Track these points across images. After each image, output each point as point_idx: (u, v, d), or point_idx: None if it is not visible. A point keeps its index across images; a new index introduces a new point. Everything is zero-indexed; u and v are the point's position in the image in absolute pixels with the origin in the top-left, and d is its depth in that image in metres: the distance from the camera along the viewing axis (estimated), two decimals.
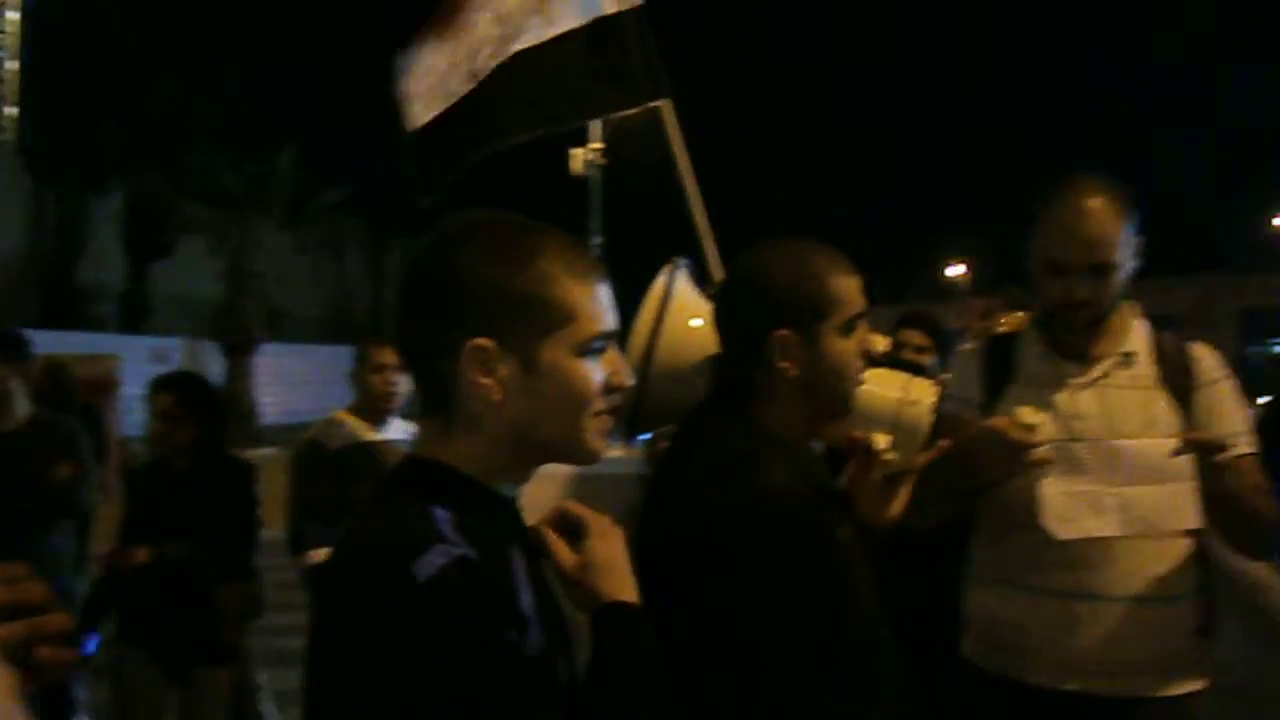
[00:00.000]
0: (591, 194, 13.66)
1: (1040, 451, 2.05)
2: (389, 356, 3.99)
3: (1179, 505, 2.09)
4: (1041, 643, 2.26)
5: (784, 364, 1.72)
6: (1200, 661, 2.28)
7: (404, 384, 4.07)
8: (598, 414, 1.30)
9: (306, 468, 3.93)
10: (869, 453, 1.93)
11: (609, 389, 1.31)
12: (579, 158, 13.77)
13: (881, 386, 1.98)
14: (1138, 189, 2.28)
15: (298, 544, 3.81)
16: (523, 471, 1.33)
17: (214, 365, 20.25)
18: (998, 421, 2.09)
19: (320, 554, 3.69)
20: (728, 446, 1.66)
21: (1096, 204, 2.22)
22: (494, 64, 3.18)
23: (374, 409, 4.03)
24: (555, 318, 1.26)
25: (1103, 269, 2.22)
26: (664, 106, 3.02)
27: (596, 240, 12.75)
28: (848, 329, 1.76)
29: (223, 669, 3.81)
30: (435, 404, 1.29)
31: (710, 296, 1.94)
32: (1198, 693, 2.26)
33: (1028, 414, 2.05)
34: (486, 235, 1.28)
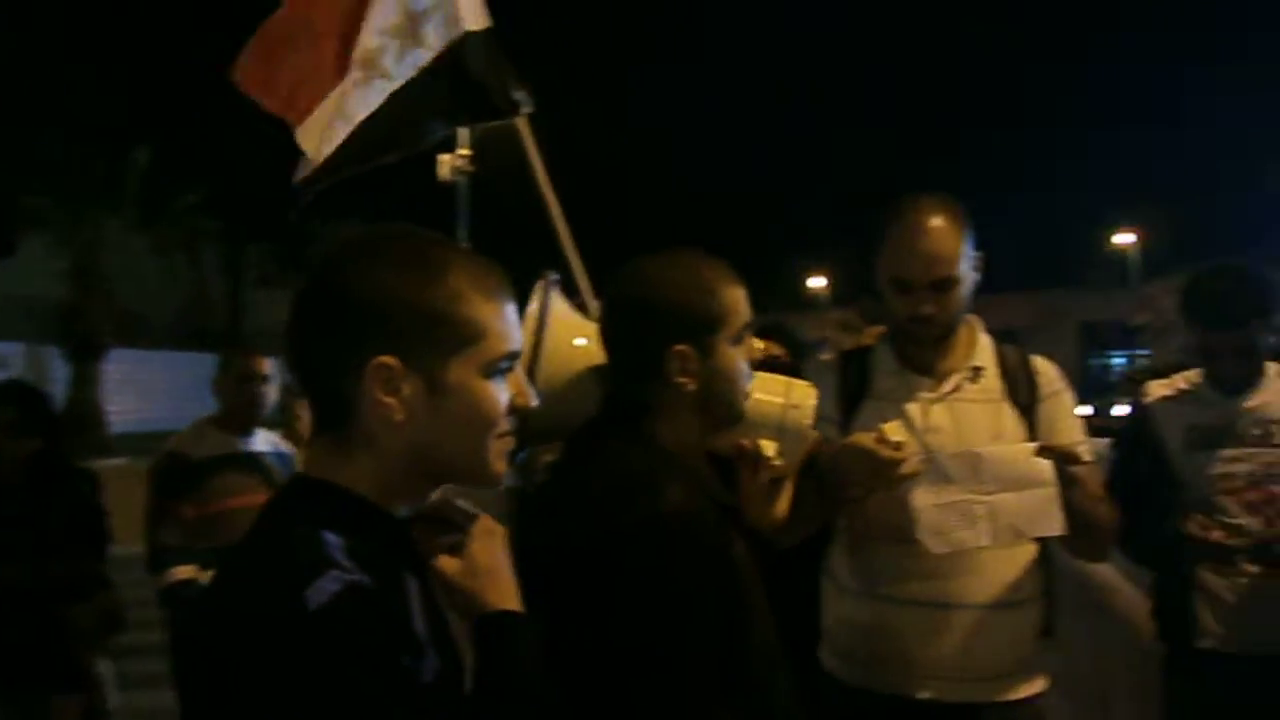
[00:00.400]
0: (459, 201, 13.55)
1: (907, 466, 2.09)
2: (261, 366, 3.87)
3: (1045, 511, 2.15)
4: (900, 652, 2.30)
5: (682, 379, 1.71)
6: (1044, 661, 2.37)
7: (272, 395, 3.98)
8: (501, 436, 1.28)
9: (167, 480, 3.76)
10: (757, 459, 1.95)
11: (512, 410, 1.28)
12: (446, 164, 13.63)
13: (765, 392, 1.98)
14: (982, 206, 2.36)
15: (157, 561, 3.66)
16: (419, 493, 1.29)
17: (58, 371, 19.31)
18: (863, 437, 2.13)
19: (183, 571, 3.56)
20: (624, 467, 1.64)
21: (936, 222, 2.28)
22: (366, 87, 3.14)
23: (241, 419, 3.90)
24: (463, 336, 1.23)
25: (945, 284, 2.29)
26: (520, 122, 3.01)
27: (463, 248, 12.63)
28: (738, 339, 1.77)
29: (74, 696, 3.63)
30: (331, 422, 1.23)
31: (597, 312, 1.92)
32: (1043, 692, 2.36)
33: (893, 430, 2.09)
34: (393, 249, 1.24)
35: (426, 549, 1.31)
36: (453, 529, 1.33)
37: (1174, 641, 2.87)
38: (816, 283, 46.30)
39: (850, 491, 2.19)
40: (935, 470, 2.16)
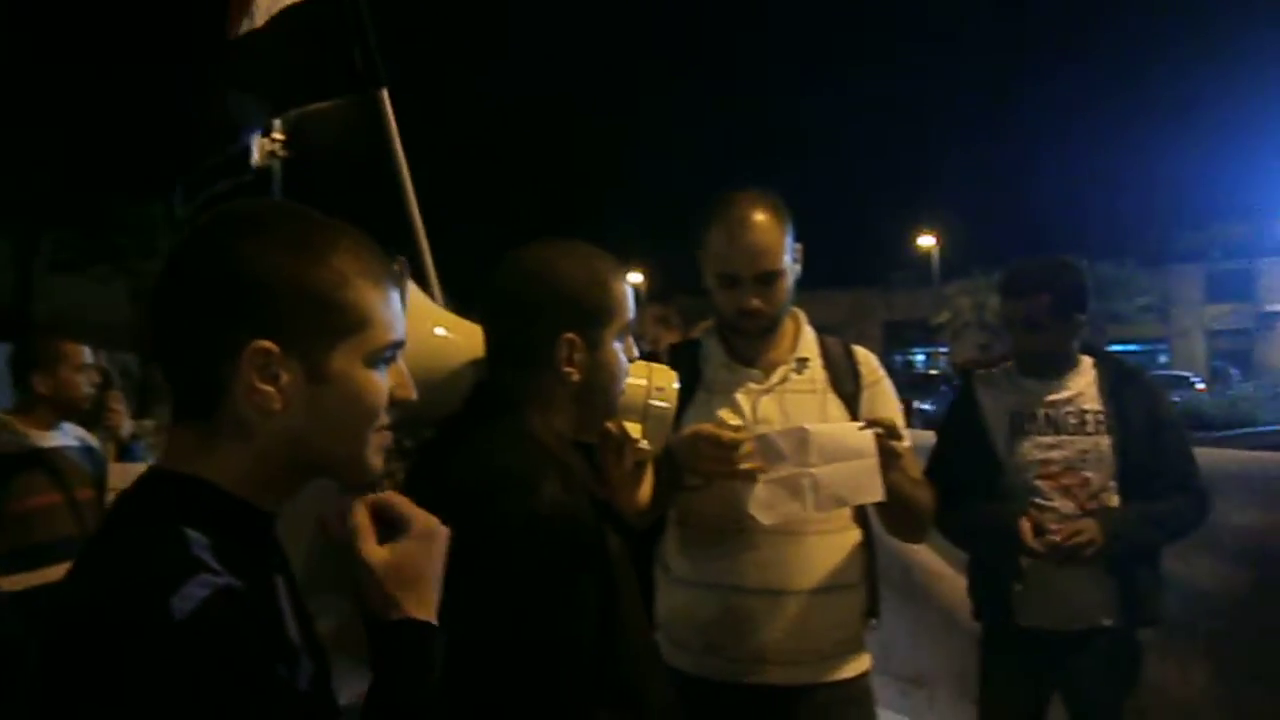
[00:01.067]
0: (274, 186, 13.05)
1: (746, 452, 2.14)
2: (79, 353, 3.62)
3: (867, 480, 2.21)
4: (733, 639, 2.35)
5: (568, 369, 1.69)
6: (868, 642, 2.46)
7: (90, 386, 3.72)
8: (380, 429, 1.21)
9: None
10: (623, 444, 1.93)
11: (392, 402, 1.22)
12: (262, 148, 13.10)
13: (629, 376, 1.97)
14: (796, 207, 2.42)
15: None
16: (289, 488, 1.19)
17: None
18: (705, 427, 2.17)
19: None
20: (500, 462, 1.59)
21: (759, 216, 2.33)
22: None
23: (48, 412, 3.64)
24: (348, 323, 1.15)
25: (770, 277, 2.34)
26: (380, 96, 2.93)
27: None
28: (622, 335, 1.76)
29: None
30: (195, 410, 1.14)
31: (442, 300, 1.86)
32: (867, 672, 2.45)
33: (730, 417, 2.11)
34: (278, 227, 1.15)
35: (358, 537, 1.21)
36: (391, 525, 1.23)
37: (991, 620, 3.00)
38: (633, 279, 46.73)
39: (691, 480, 2.22)
40: (765, 447, 2.20)
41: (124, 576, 1.02)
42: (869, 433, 2.20)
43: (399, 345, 1.22)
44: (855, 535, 2.41)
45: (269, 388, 1.11)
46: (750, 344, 2.44)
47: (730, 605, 2.35)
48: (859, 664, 2.43)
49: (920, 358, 42.15)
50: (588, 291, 1.71)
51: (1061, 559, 2.76)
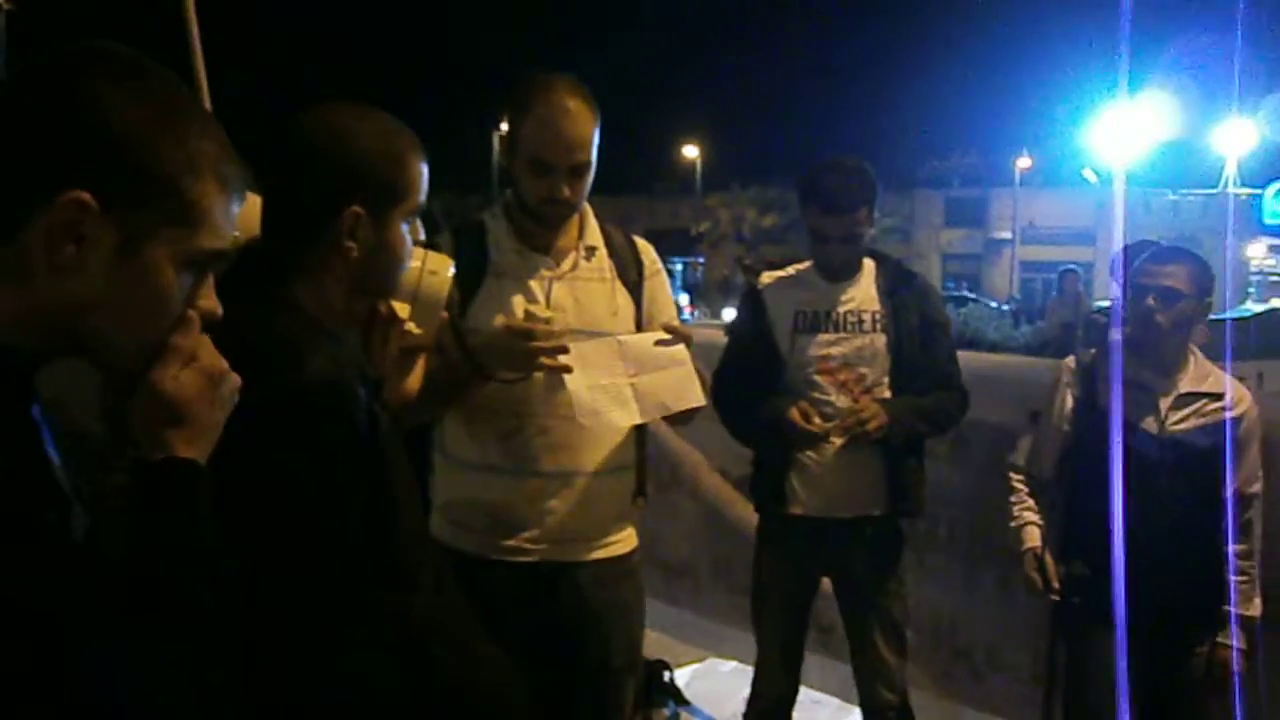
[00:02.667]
0: None
1: (556, 345, 2.16)
2: None
3: (686, 387, 2.29)
4: (520, 520, 2.38)
5: (349, 243, 1.57)
6: (636, 522, 2.56)
7: None
8: (172, 345, 1.11)
9: None
10: (390, 325, 1.84)
11: (201, 317, 1.12)
12: None
13: None
14: None
15: None
16: (55, 347, 1.07)
17: None
18: (514, 323, 2.19)
19: None
20: (263, 333, 1.48)
21: (576, 105, 2.30)
22: None
23: None
24: (185, 216, 1.05)
25: (583, 168, 2.33)
26: None
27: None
28: (410, 218, 1.66)
29: None
30: None
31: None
32: (636, 549, 2.55)
33: (541, 311, 2.09)
34: (150, 91, 1.04)
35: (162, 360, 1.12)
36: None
37: (766, 510, 3.11)
38: None
39: (504, 376, 2.22)
40: (581, 357, 2.22)
41: None
42: (680, 348, 2.26)
43: (221, 258, 1.12)
44: None
45: (70, 245, 0.99)
46: (543, 230, 2.40)
47: (518, 487, 2.37)
48: (630, 540, 2.53)
49: (678, 266, 43.16)
50: (382, 164, 1.59)
51: (847, 436, 2.88)
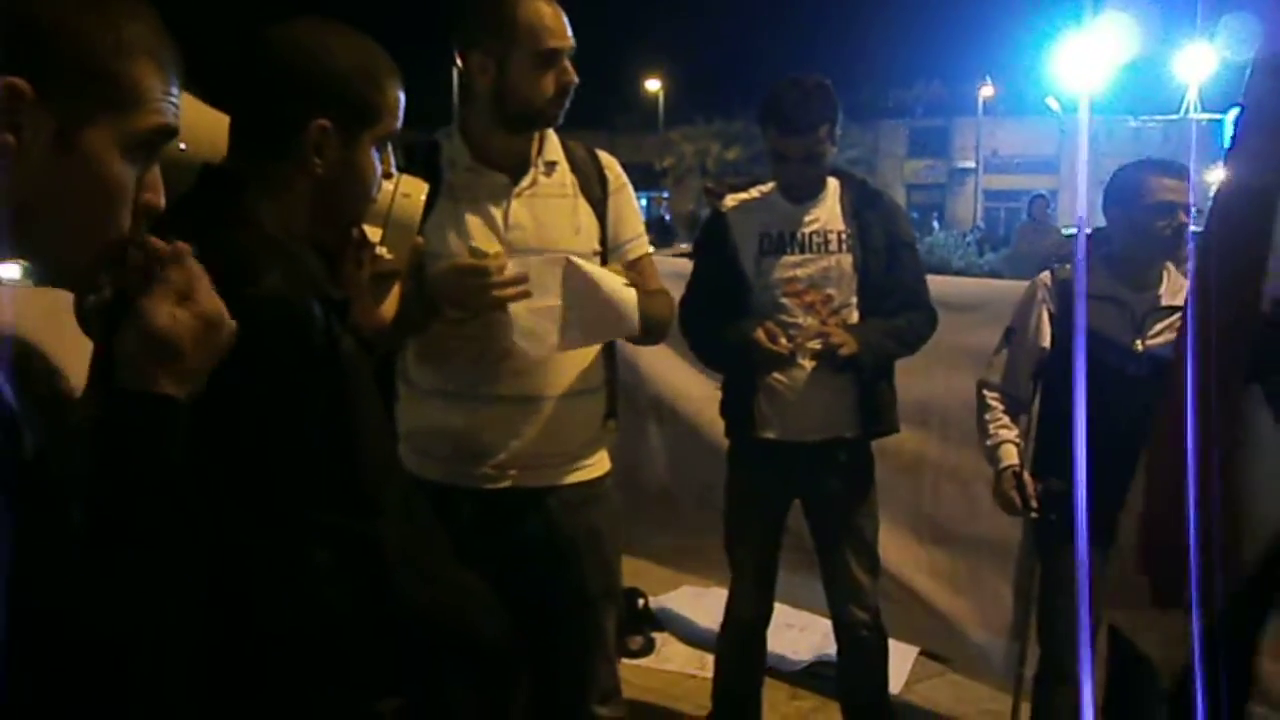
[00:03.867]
0: None
1: (509, 278, 2.13)
2: None
3: (626, 312, 2.25)
4: (484, 446, 2.34)
5: (315, 160, 1.50)
6: (608, 444, 2.52)
7: None
8: (114, 238, 1.05)
9: None
10: (361, 248, 1.78)
11: (139, 209, 1.06)
12: None
13: None
14: None
15: None
16: None
17: None
18: (461, 262, 2.14)
19: None
20: (221, 250, 1.41)
21: None
22: None
23: None
24: (118, 97, 1.01)
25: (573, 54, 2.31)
26: None
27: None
28: (382, 144, 1.59)
29: None
30: None
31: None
32: (609, 472, 2.52)
33: (488, 246, 2.07)
34: None
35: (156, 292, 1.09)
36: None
37: (738, 434, 3.08)
38: None
39: (452, 313, 2.18)
40: (528, 273, 2.16)
41: None
42: (614, 266, 2.26)
43: (167, 134, 1.07)
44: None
45: (9, 137, 0.94)
46: (498, 145, 2.33)
47: (482, 413, 2.33)
48: (601, 464, 2.49)
49: (642, 201, 42.85)
50: (355, 80, 1.52)
51: (816, 360, 2.85)
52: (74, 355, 1.35)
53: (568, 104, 2.32)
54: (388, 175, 1.67)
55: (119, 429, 1.06)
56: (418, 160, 2.32)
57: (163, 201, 1.10)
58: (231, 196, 1.49)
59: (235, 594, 1.28)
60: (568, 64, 2.28)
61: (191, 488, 1.09)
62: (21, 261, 1.04)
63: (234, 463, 1.32)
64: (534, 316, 2.19)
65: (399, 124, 1.61)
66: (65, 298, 1.54)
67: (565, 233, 2.33)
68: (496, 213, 2.31)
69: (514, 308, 2.18)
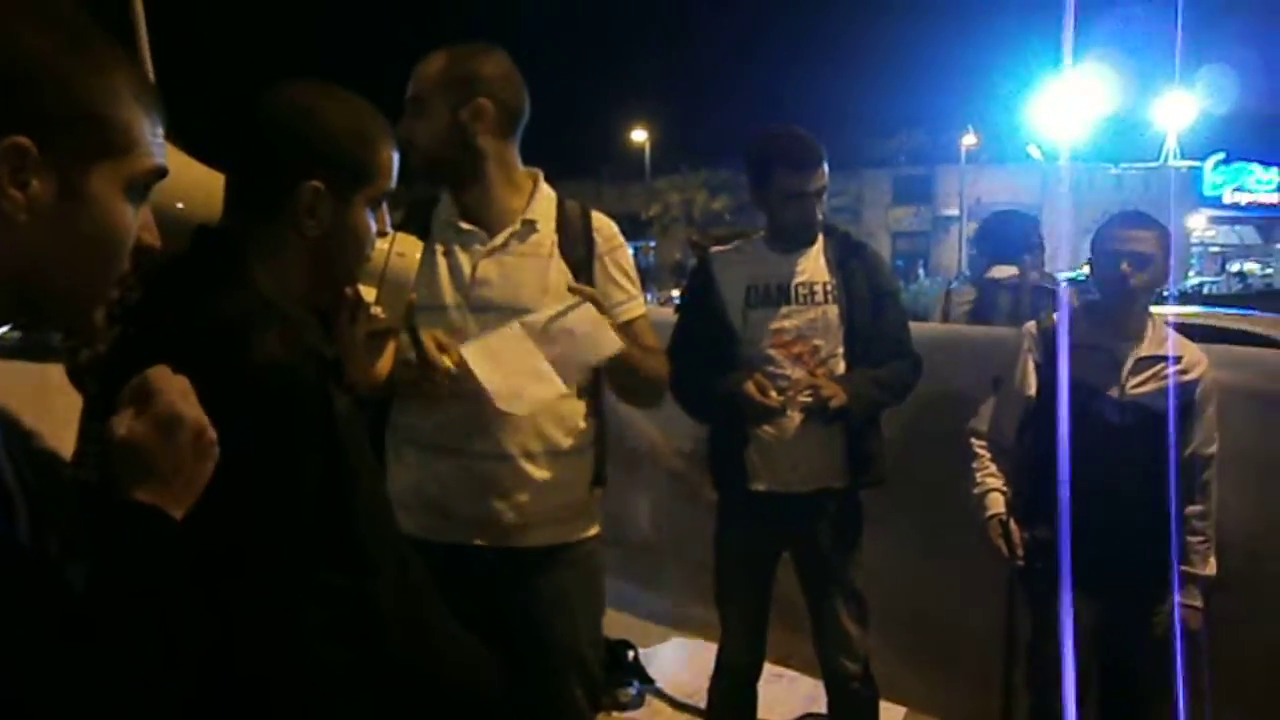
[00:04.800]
0: None
1: (451, 373, 2.16)
2: None
3: (601, 338, 2.24)
4: (463, 504, 2.33)
5: (309, 220, 1.52)
6: (595, 508, 2.49)
7: None
8: (119, 277, 1.06)
9: None
10: (356, 307, 1.80)
11: (135, 250, 1.07)
12: None
13: None
14: None
15: None
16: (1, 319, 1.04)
17: None
18: (409, 359, 2.18)
19: None
20: (216, 314, 1.42)
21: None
22: None
23: None
24: (114, 142, 1.02)
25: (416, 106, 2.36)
26: None
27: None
28: (376, 204, 1.61)
29: None
30: None
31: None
32: (595, 536, 2.48)
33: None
34: (61, 22, 1.01)
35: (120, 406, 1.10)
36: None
37: (727, 487, 3.08)
38: None
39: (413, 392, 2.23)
40: (487, 351, 2.19)
41: None
42: (585, 305, 2.22)
43: (160, 174, 1.08)
44: (582, 404, 2.41)
45: (18, 194, 0.95)
46: (479, 202, 2.36)
47: (461, 470, 2.32)
48: (583, 528, 2.45)
49: (629, 252, 43.02)
50: (347, 142, 1.54)
51: (805, 412, 2.86)
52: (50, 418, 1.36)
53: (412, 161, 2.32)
54: (382, 234, 1.69)
55: (102, 540, 1.07)
56: (416, 217, 2.36)
57: (159, 241, 1.12)
58: (226, 258, 1.50)
59: (227, 654, 1.26)
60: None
61: (178, 588, 1.09)
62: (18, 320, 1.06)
63: (228, 524, 1.31)
64: (510, 379, 2.19)
65: (392, 184, 1.62)
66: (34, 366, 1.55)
67: (532, 291, 2.31)
68: (466, 268, 2.33)
69: (485, 380, 2.18)
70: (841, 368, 2.95)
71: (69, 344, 2.41)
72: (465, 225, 2.36)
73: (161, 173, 1.09)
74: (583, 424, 2.40)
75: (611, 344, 2.24)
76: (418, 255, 1.93)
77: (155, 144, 1.08)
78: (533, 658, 2.38)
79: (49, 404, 1.54)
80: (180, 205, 1.84)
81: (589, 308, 2.22)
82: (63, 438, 1.34)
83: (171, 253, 1.63)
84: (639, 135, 45.65)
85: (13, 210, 0.95)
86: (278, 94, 1.58)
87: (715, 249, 3.16)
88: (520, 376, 2.20)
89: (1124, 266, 2.82)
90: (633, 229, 41.61)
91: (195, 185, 1.89)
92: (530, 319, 2.22)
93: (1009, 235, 4.59)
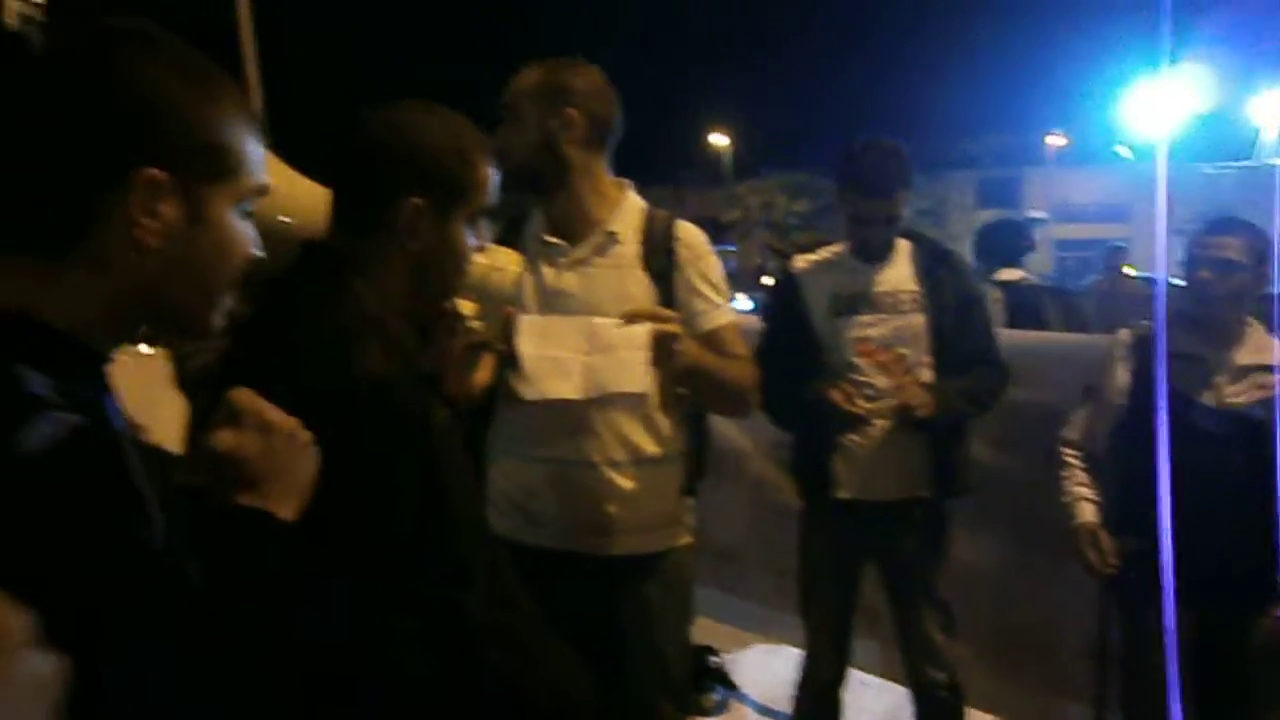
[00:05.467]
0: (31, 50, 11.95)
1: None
2: None
3: (629, 371, 2.22)
4: (551, 511, 2.37)
5: (410, 236, 1.58)
6: (686, 518, 2.51)
7: None
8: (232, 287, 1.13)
9: None
10: (454, 321, 1.84)
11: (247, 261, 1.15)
12: (11, 10, 11.98)
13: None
14: None
15: None
16: (127, 334, 1.10)
17: None
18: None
19: None
20: (319, 328, 1.49)
21: None
22: None
23: None
24: (228, 165, 1.09)
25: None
26: None
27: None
28: (474, 220, 1.66)
29: None
30: (40, 242, 1.01)
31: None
32: (686, 546, 2.50)
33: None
34: (178, 55, 1.07)
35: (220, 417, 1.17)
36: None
37: (812, 494, 3.09)
38: None
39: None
40: (545, 331, 2.23)
41: None
42: (642, 327, 2.21)
43: (264, 191, 1.15)
44: (673, 412, 2.43)
45: (152, 222, 1.02)
46: (564, 212, 2.41)
47: (542, 475, 2.37)
48: (672, 538, 2.46)
49: (717, 259, 42.84)
50: (446, 159, 1.60)
51: (895, 420, 2.86)
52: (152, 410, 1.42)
53: None
54: (481, 249, 1.74)
55: (214, 542, 1.12)
56: (513, 231, 2.42)
57: (260, 250, 1.18)
58: (330, 272, 1.56)
59: (324, 661, 1.31)
60: None
61: (289, 586, 1.15)
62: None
63: (330, 531, 1.37)
64: (540, 363, 2.22)
65: (489, 200, 1.68)
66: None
67: (611, 302, 2.32)
68: (549, 280, 2.38)
69: (524, 352, 2.22)
70: (927, 376, 2.94)
71: (180, 352, 2.51)
72: (549, 238, 2.41)
73: (264, 190, 1.16)
74: (671, 433, 2.42)
75: (638, 382, 2.22)
76: (516, 270, 1.98)
77: (258, 161, 1.14)
78: (619, 666, 2.40)
79: (154, 401, 1.61)
80: (287, 219, 1.91)
81: (640, 335, 2.21)
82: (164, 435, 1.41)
83: (277, 265, 1.71)
84: (720, 139, 45.58)
85: (147, 237, 1.02)
86: (381, 113, 1.64)
87: (799, 258, 3.17)
88: (548, 364, 2.23)
89: (1204, 273, 2.77)
90: (713, 234, 41.44)
91: (301, 200, 1.96)
92: (600, 320, 2.25)
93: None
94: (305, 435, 1.22)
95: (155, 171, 1.01)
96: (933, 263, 3.02)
